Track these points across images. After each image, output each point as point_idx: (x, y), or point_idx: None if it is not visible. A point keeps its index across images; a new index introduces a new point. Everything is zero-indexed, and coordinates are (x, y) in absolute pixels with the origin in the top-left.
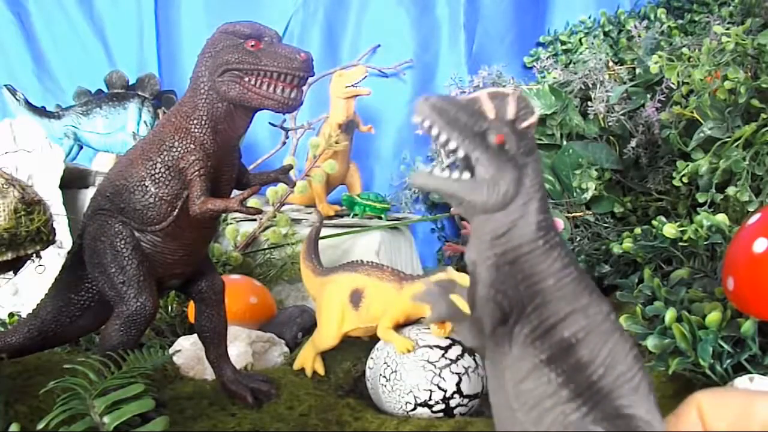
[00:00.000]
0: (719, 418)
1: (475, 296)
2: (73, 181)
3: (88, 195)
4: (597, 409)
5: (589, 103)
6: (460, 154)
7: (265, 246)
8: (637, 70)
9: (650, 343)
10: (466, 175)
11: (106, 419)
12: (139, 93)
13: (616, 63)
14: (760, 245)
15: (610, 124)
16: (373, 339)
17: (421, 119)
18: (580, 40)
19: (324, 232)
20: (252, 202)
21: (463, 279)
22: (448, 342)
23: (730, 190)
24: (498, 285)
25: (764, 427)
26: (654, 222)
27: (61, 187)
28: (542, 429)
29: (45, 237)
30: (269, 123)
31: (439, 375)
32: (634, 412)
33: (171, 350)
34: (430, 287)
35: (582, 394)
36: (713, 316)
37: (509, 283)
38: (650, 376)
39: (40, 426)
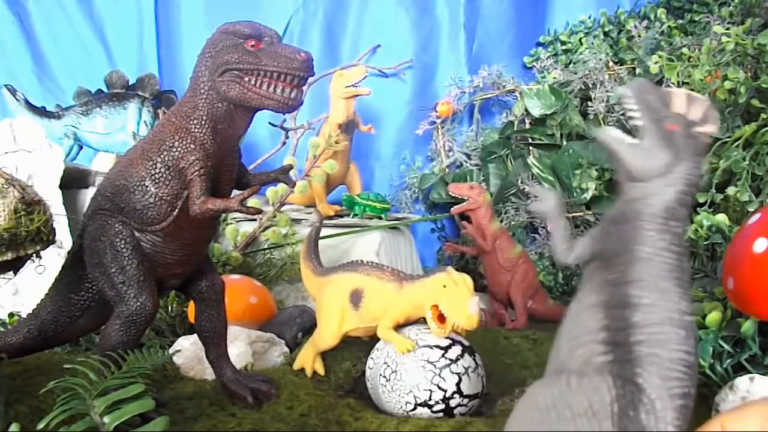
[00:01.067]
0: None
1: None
2: (73, 181)
3: (88, 195)
4: (619, 366)
5: (589, 103)
6: (638, 123)
7: (265, 246)
8: (637, 70)
9: None
10: (634, 140)
11: (106, 419)
12: (139, 93)
13: (616, 63)
14: (760, 245)
15: (610, 124)
16: (373, 339)
17: (626, 91)
18: (580, 40)
19: (324, 232)
20: (252, 202)
21: (463, 279)
22: (448, 342)
23: (730, 190)
24: (606, 230)
25: None
26: None
27: (61, 187)
28: (574, 357)
29: (45, 237)
30: (269, 123)
31: (439, 375)
32: (645, 386)
33: (171, 350)
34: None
35: (616, 345)
36: (713, 316)
37: (615, 234)
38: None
39: (40, 426)
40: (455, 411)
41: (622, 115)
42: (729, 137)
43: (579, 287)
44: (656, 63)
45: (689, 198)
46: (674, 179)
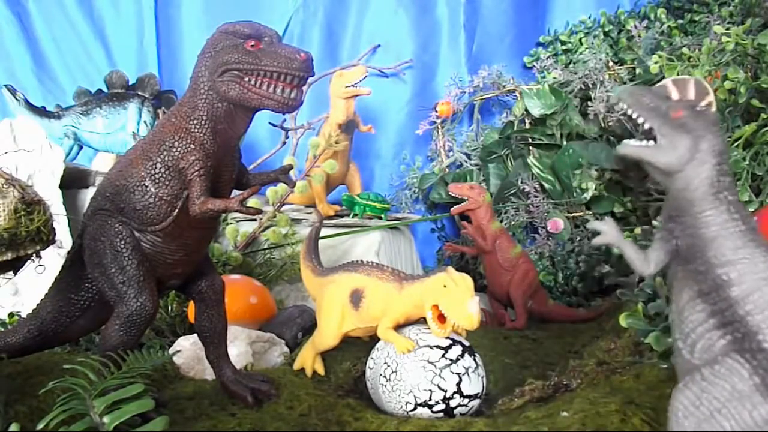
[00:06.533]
0: None
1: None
2: (73, 181)
3: (88, 195)
4: (741, 341)
5: (589, 103)
6: (646, 126)
7: (265, 246)
8: (637, 70)
9: (652, 340)
10: (651, 143)
11: (105, 419)
12: (139, 93)
13: (616, 63)
14: None
15: (610, 124)
16: (373, 339)
17: (620, 102)
18: (580, 40)
19: (324, 232)
20: (252, 202)
21: (463, 279)
22: (448, 342)
23: None
24: (669, 229)
25: None
26: (654, 222)
27: (61, 187)
28: (696, 354)
29: (45, 237)
30: (269, 123)
31: (440, 375)
32: None
33: (171, 350)
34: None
35: (728, 325)
36: None
37: (679, 229)
38: None
39: (40, 426)
40: (455, 411)
41: (623, 115)
42: (729, 137)
43: (670, 292)
44: (656, 63)
45: (726, 166)
46: (703, 157)
